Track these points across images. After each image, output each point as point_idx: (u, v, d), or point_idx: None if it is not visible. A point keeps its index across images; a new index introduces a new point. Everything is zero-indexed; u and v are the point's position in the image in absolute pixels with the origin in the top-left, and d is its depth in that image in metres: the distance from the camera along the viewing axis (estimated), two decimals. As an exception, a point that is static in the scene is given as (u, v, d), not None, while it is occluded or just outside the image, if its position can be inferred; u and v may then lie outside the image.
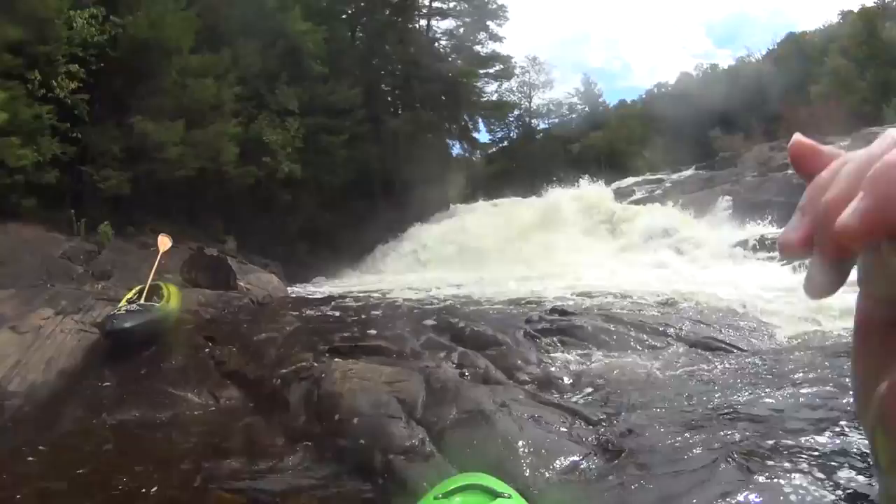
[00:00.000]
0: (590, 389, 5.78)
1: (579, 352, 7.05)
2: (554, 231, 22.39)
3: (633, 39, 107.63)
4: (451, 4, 32.73)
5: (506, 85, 41.89)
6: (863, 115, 29.12)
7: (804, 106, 34.31)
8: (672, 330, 7.81)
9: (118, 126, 17.08)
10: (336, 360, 6.00)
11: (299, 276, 22.15)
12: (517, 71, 42.50)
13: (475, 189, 38.99)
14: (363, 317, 9.16)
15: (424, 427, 4.53)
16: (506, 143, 46.10)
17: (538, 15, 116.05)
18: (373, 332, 7.32)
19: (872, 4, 35.17)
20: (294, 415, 5.19)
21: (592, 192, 25.88)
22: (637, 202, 25.46)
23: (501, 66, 34.23)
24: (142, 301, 8.48)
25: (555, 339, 7.53)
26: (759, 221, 18.13)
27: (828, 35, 41.12)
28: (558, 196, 25.60)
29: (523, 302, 10.99)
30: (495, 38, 33.36)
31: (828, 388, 4.69)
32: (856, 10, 36.63)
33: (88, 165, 16.61)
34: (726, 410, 4.73)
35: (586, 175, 28.34)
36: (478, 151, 42.72)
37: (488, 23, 32.98)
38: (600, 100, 52.02)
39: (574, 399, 5.47)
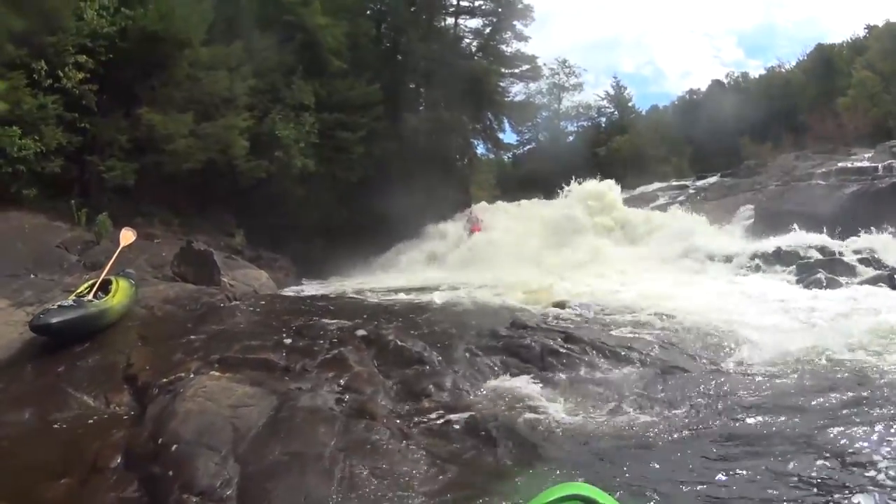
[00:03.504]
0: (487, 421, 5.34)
1: (508, 377, 6.56)
2: (571, 235, 21.97)
3: (666, 46, 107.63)
4: (479, 3, 32.21)
5: (534, 86, 42.06)
6: (887, 129, 28.70)
7: (831, 117, 34.10)
8: (635, 355, 7.14)
9: (126, 117, 17.10)
10: (212, 373, 5.65)
11: (313, 272, 22.14)
12: (546, 73, 42.49)
13: (504, 190, 39.05)
14: (313, 320, 8.77)
15: (241, 465, 4.11)
16: (534, 144, 46.00)
17: (570, 19, 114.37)
18: (288, 340, 6.91)
19: (897, 20, 34.80)
20: (140, 433, 4.83)
21: (597, 188, 25.38)
22: (659, 208, 25.06)
23: (528, 67, 33.59)
24: (90, 296, 8.31)
25: (495, 358, 7.07)
26: (779, 232, 17.39)
27: (855, 48, 41.54)
28: (574, 200, 25.09)
29: (496, 308, 10.64)
30: (521, 37, 32.70)
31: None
32: (881, 25, 37.59)
33: (95, 156, 16.62)
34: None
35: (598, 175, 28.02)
36: (503, 152, 42.42)
37: (515, 22, 32.29)
38: (630, 104, 51.66)
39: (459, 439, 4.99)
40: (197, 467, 4.10)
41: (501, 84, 33.58)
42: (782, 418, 5.21)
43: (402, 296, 13.18)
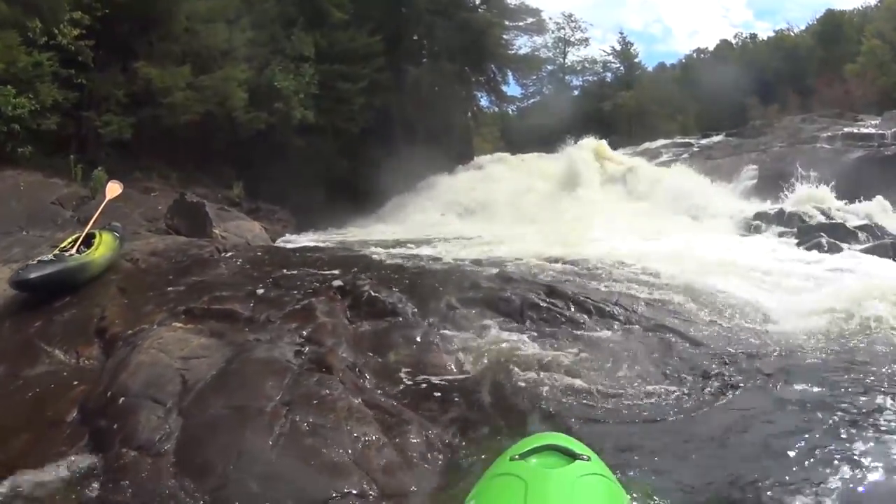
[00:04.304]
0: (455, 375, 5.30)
1: (482, 331, 6.42)
2: (572, 189, 21.90)
3: (674, 4, 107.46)
4: (484, -47, 31.53)
5: (539, 40, 42.34)
6: (894, 97, 28.82)
7: (839, 83, 34.28)
8: (619, 311, 6.97)
9: (123, 72, 17.00)
10: (174, 324, 5.62)
11: (313, 223, 22.18)
12: (552, 27, 42.26)
13: (509, 143, 38.93)
14: (295, 271, 8.70)
15: (183, 418, 4.07)
16: (538, 98, 45.85)
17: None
18: (260, 291, 6.81)
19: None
20: (97, 387, 4.80)
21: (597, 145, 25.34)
22: (662, 165, 25.05)
23: (532, 20, 33.37)
24: (73, 250, 8.28)
25: (473, 311, 6.91)
26: (784, 193, 17.19)
27: (865, 16, 42.04)
28: (576, 153, 24.98)
29: (488, 262, 10.44)
30: (525, -10, 32.38)
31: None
32: (893, -5, 37.48)
33: (91, 111, 16.55)
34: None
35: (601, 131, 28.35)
36: (507, 105, 42.16)
37: (519, -26, 31.92)
38: (636, 60, 51.90)
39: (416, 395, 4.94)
40: (139, 420, 4.06)
41: (505, 37, 33.32)
42: (771, 381, 5.14)
43: (394, 249, 13.20)
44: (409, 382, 5.11)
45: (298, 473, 3.61)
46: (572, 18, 49.24)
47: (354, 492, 3.51)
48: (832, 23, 43.71)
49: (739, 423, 4.41)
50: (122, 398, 4.34)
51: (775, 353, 5.84)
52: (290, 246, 14.64)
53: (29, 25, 14.49)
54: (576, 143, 27.12)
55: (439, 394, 4.94)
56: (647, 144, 32.60)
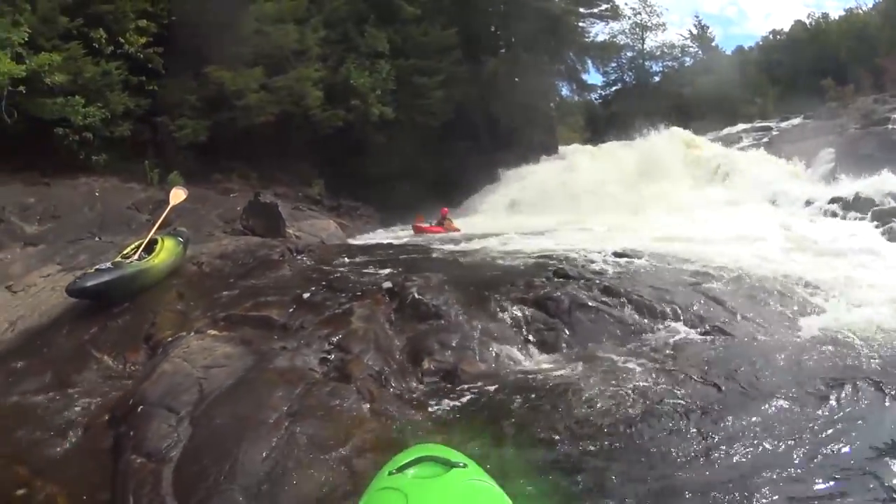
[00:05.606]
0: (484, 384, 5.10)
1: (524, 333, 6.24)
2: (652, 179, 21.50)
3: None
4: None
5: (616, 26, 42.69)
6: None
7: None
8: (674, 311, 6.56)
9: (195, 76, 17.48)
10: (209, 331, 5.70)
11: (396, 218, 22.38)
12: (628, 12, 42.03)
13: (594, 131, 38.45)
14: (354, 271, 8.71)
15: (193, 427, 4.13)
16: (620, 85, 45.41)
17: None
18: (306, 295, 6.87)
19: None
20: (127, 394, 4.93)
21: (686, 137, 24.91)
22: (743, 150, 24.65)
23: (606, 6, 32.89)
24: (135, 257, 8.47)
25: (519, 312, 6.64)
26: (863, 175, 16.41)
27: None
28: (657, 142, 24.59)
29: (556, 256, 10.17)
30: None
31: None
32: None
33: (165, 116, 17.10)
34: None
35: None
36: (588, 93, 41.75)
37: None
38: (713, 44, 51.73)
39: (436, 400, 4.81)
40: (150, 428, 4.16)
41: (581, 24, 33.24)
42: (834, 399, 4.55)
43: (463, 244, 13.04)
44: (434, 390, 5.00)
45: (286, 487, 3.60)
46: (648, 3, 48.89)
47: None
48: (899, 0, 42.54)
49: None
50: (141, 406, 4.46)
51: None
52: (362, 243, 14.69)
53: (93, 36, 15.12)
54: (657, 130, 26.73)
55: (463, 403, 4.77)
56: (728, 130, 32.50)
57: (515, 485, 3.38)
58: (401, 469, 2.27)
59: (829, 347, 5.55)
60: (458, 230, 18.07)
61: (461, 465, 2.27)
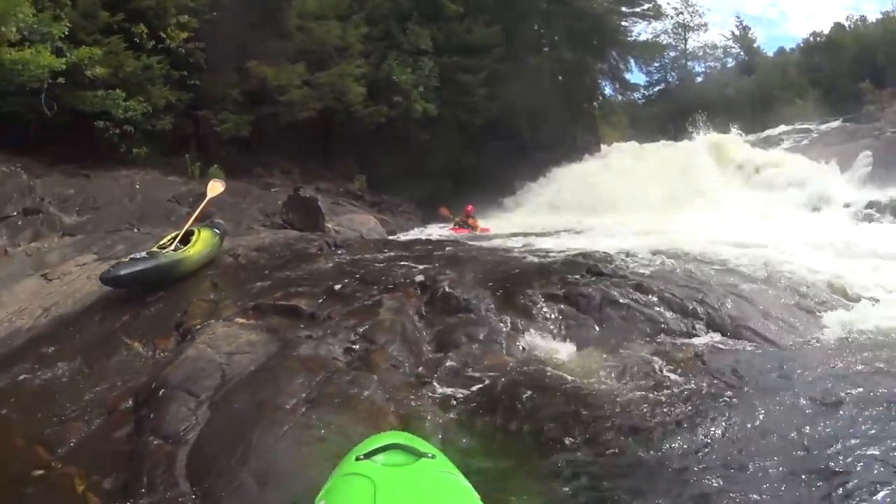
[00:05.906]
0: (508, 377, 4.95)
1: (553, 328, 6.11)
2: (692, 180, 21.34)
3: None
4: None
5: (659, 26, 43.04)
6: None
7: None
8: (705, 311, 6.30)
9: (237, 71, 17.65)
10: (237, 319, 5.74)
11: (438, 215, 22.22)
12: (670, 12, 42.70)
13: (637, 131, 38.21)
14: (387, 265, 8.67)
15: (212, 412, 4.15)
16: (663, 85, 45.27)
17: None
18: (337, 287, 6.87)
19: None
20: (151, 378, 4.98)
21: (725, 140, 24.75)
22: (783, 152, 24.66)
23: (648, 6, 32.72)
24: (171, 248, 8.56)
25: (550, 308, 6.52)
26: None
27: None
28: (698, 143, 24.48)
29: (591, 255, 10.02)
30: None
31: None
32: None
33: (206, 110, 17.29)
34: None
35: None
36: (630, 92, 41.45)
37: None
38: (755, 45, 51.91)
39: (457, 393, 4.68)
40: (170, 411, 4.21)
41: (623, 23, 32.94)
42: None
43: (500, 241, 12.93)
44: (455, 383, 4.88)
45: (295, 472, 3.59)
46: (690, 3, 49.05)
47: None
48: (935, 3, 41.83)
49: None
50: (163, 390, 4.51)
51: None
52: (402, 239, 14.70)
53: (134, 31, 15.32)
54: (699, 131, 26.59)
55: (482, 398, 4.64)
56: (769, 131, 32.55)
57: (514, 485, 3.31)
58: (368, 455, 2.27)
59: (866, 353, 5.31)
60: (486, 230, 17.75)
61: (429, 455, 2.28)
